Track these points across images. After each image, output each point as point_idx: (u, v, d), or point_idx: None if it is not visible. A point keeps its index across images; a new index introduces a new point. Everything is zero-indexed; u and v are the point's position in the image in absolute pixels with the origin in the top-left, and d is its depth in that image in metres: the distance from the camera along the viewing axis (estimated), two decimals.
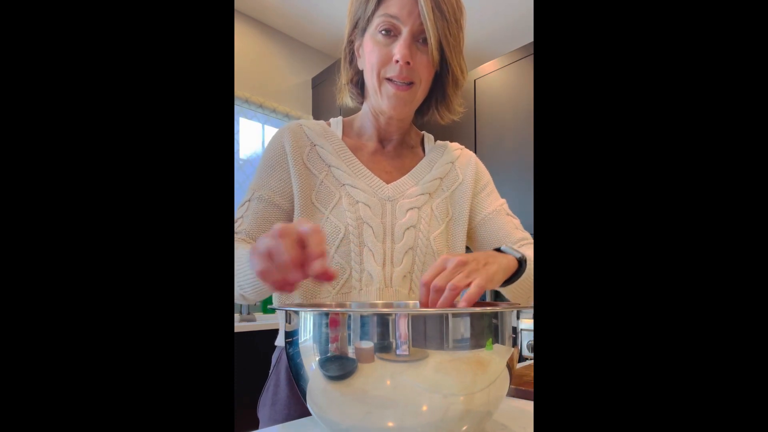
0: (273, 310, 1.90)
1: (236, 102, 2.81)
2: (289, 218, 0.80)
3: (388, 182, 0.82)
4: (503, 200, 0.88)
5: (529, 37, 3.07)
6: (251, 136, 2.92)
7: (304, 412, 0.75)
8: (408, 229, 0.78)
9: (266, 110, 2.92)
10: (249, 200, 0.79)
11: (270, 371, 0.84)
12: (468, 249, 0.85)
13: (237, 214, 0.79)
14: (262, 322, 2.31)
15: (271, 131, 3.01)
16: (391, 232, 0.78)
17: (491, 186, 0.89)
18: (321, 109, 3.12)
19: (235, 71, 2.79)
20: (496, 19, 2.93)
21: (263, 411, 0.81)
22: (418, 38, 0.73)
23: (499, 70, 2.79)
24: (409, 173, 0.84)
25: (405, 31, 0.72)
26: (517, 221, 0.86)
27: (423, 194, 0.82)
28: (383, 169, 0.84)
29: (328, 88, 3.06)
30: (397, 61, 0.72)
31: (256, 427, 0.86)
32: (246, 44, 2.90)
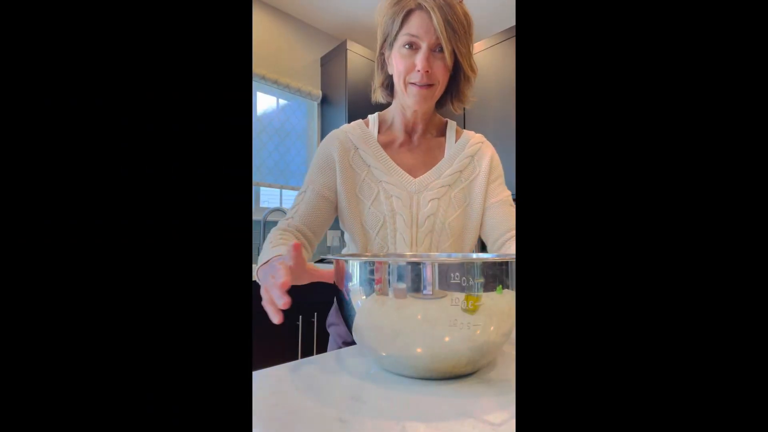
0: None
1: (254, 78, 2.75)
2: (334, 207, 0.89)
3: (415, 177, 0.89)
4: (509, 192, 0.93)
5: (511, 21, 2.98)
6: (268, 108, 2.89)
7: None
8: (429, 216, 0.87)
9: (281, 85, 2.87)
10: (305, 191, 0.89)
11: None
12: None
13: (295, 201, 0.89)
14: None
15: (284, 103, 2.97)
16: (416, 219, 0.87)
17: (501, 179, 0.94)
18: (329, 84, 3.06)
19: (253, 51, 2.74)
20: (482, 4, 2.84)
21: (330, 325, 0.94)
22: (435, 49, 0.80)
23: (484, 51, 2.74)
24: (432, 169, 0.90)
25: (424, 46, 0.79)
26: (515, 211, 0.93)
27: (443, 186, 0.89)
28: (412, 165, 0.91)
29: (335, 65, 3.00)
30: (419, 71, 0.80)
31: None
32: (262, 27, 2.84)
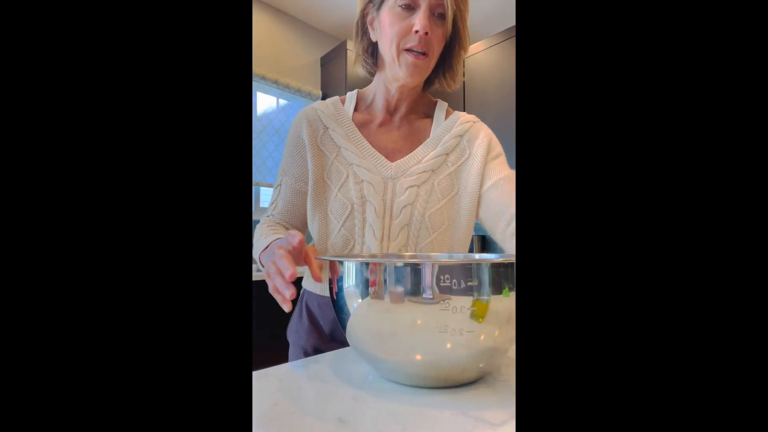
0: None
1: (254, 78, 2.76)
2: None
3: (392, 161, 0.77)
4: (512, 171, 0.79)
5: (512, 21, 2.99)
6: (268, 108, 2.90)
7: (320, 338, 0.80)
8: (405, 207, 0.74)
9: (281, 85, 2.88)
10: (279, 185, 0.82)
11: (297, 304, 0.88)
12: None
13: (272, 196, 0.83)
14: None
15: (284, 103, 2.98)
16: (390, 209, 0.74)
17: (503, 157, 0.82)
18: (329, 84, 3.07)
19: (253, 51, 2.75)
20: (482, 4, 2.84)
21: (290, 336, 0.88)
22: (435, 12, 0.70)
23: (486, 50, 2.74)
24: (412, 152, 0.78)
25: (424, 5, 0.69)
26: None
27: (425, 171, 0.76)
28: (390, 147, 0.79)
29: (334, 65, 3.01)
30: (417, 32, 0.69)
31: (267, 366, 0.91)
32: (262, 27, 2.84)
